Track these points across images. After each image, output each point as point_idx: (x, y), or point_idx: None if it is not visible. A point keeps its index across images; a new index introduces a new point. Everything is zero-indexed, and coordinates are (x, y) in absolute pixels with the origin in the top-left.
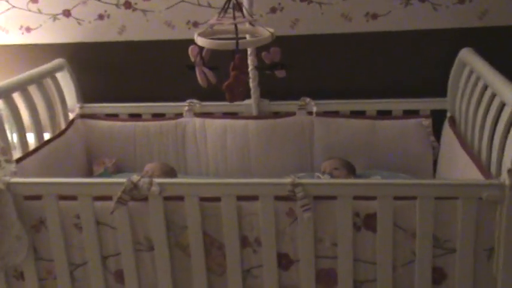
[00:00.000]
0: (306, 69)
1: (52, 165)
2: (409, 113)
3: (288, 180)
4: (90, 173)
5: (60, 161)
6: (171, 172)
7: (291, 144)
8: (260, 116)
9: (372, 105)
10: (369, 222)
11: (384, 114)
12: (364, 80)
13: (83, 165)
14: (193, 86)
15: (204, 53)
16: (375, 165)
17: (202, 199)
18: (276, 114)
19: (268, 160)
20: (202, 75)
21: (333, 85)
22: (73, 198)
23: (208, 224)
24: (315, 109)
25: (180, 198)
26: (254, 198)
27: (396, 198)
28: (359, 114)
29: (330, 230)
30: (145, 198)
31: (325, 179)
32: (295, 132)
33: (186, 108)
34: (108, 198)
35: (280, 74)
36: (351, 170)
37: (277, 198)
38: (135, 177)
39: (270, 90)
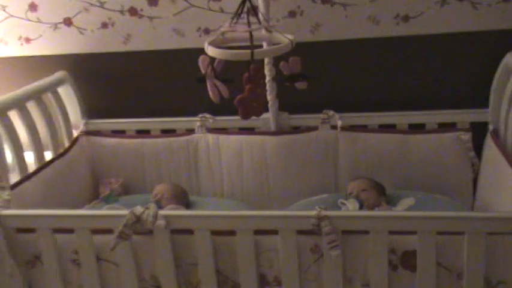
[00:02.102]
0: (328, 78)
1: (54, 188)
2: (446, 127)
3: (312, 212)
4: (96, 195)
5: (63, 182)
6: (182, 194)
7: (313, 162)
8: (279, 132)
9: (403, 117)
10: (407, 260)
11: (417, 128)
12: (394, 90)
13: (88, 187)
14: (206, 99)
15: (215, 64)
16: (406, 185)
17: (214, 232)
18: (297, 129)
19: (288, 180)
20: (213, 89)
21: (359, 96)
22: (70, 231)
23: (221, 260)
24: (339, 123)
25: (190, 231)
26: (273, 232)
27: (440, 232)
28: (389, 128)
29: (361, 268)
30: (150, 232)
31: (352, 205)
32: (318, 148)
33: (198, 123)
34: (109, 231)
35: (300, 86)
36: (380, 192)
37: (301, 232)
38: (138, 209)
39: (289, 103)
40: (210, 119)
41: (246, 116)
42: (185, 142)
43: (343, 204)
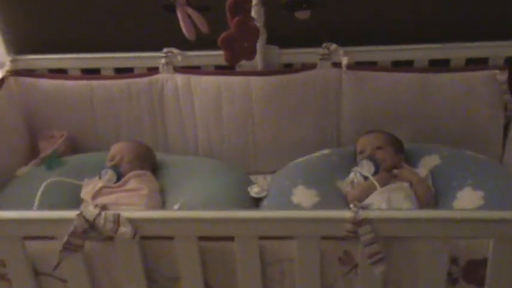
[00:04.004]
0: (330, 2)
1: None
2: (476, 63)
3: (346, 214)
4: (35, 153)
5: None
6: (147, 155)
7: (310, 109)
8: (267, 71)
9: (422, 52)
10: (471, 271)
11: (440, 65)
12: (411, 17)
13: (23, 143)
14: (173, 29)
15: None
16: (426, 137)
17: (203, 238)
18: (289, 68)
19: (278, 132)
20: (187, 21)
21: (368, 25)
22: None
23: (212, 272)
24: (344, 59)
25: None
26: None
27: None
28: (405, 65)
29: (409, 281)
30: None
31: (365, 169)
32: (316, 92)
33: (163, 60)
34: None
35: (302, 15)
36: (398, 149)
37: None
38: (89, 212)
39: (280, 33)
40: (178, 55)
41: (234, 60)
42: (147, 85)
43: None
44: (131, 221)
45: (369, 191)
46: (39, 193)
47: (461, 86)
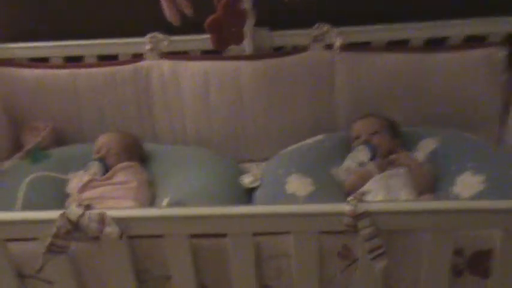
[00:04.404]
0: None
1: None
2: (475, 40)
3: (345, 207)
4: (18, 146)
5: None
6: (135, 146)
7: (302, 93)
8: (257, 55)
9: (419, 31)
10: (477, 263)
11: (437, 44)
12: None
13: (6, 135)
14: (157, 13)
15: None
16: (423, 119)
17: (194, 235)
18: (280, 51)
19: (269, 118)
20: (170, 4)
21: (361, 4)
22: None
23: (205, 270)
24: (337, 41)
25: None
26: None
27: None
28: (401, 45)
29: (410, 275)
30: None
31: (362, 155)
32: (308, 75)
33: (148, 46)
34: None
35: None
36: (395, 133)
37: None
38: (73, 210)
39: (270, 14)
40: (164, 40)
41: (222, 45)
42: (132, 72)
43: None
44: (117, 220)
45: (366, 178)
46: (22, 190)
47: (459, 65)
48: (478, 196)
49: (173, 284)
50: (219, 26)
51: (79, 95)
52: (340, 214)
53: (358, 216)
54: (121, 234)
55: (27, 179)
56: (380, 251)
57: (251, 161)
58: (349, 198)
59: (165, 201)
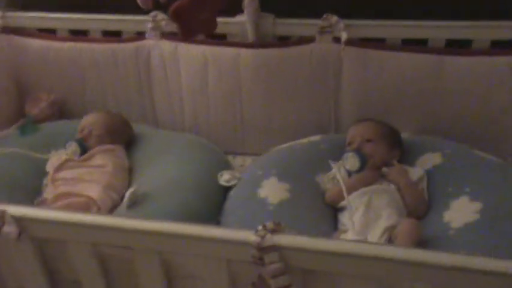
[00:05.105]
0: None
1: None
2: (501, 46)
3: (251, 237)
4: (23, 115)
5: None
6: (120, 129)
7: (306, 88)
8: (259, 43)
9: (439, 30)
10: None
11: (459, 46)
12: None
13: (12, 104)
14: None
15: None
16: (434, 129)
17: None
18: (284, 41)
19: (269, 111)
20: None
21: None
22: None
23: (116, 281)
24: (343, 34)
25: None
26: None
27: None
28: (417, 44)
29: None
30: None
31: (350, 164)
32: (313, 69)
33: (150, 25)
34: None
35: None
36: (393, 143)
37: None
38: None
39: (275, 1)
40: (163, 20)
41: (188, 35)
42: (133, 50)
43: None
44: (17, 219)
45: (349, 190)
46: None
47: (482, 72)
48: (470, 227)
49: None
50: (184, 13)
51: (82, 70)
52: (245, 244)
53: (264, 249)
54: (19, 234)
55: None
56: None
57: (248, 154)
58: (258, 228)
59: (128, 192)
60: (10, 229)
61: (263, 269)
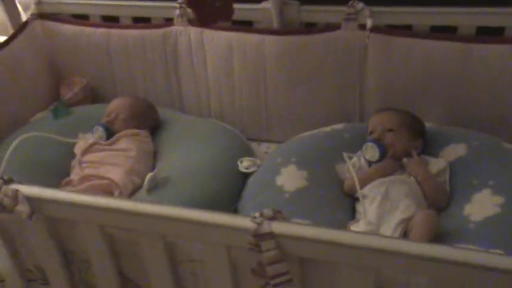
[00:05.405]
0: None
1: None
2: None
3: (249, 224)
4: (58, 98)
5: (8, 81)
6: (146, 114)
7: (330, 76)
8: (283, 30)
9: (469, 17)
10: None
11: (489, 34)
12: None
13: (48, 87)
14: None
15: None
16: (461, 119)
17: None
18: (309, 28)
19: (293, 99)
20: None
21: None
22: None
23: (124, 261)
24: (368, 21)
25: None
26: None
27: None
28: (445, 31)
29: None
30: None
31: (369, 154)
32: (338, 57)
33: (178, 11)
34: None
35: None
36: (414, 133)
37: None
38: None
39: None
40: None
41: (204, 22)
42: (161, 37)
43: (350, 157)
44: (29, 199)
45: (368, 180)
46: (10, 148)
47: None
48: (489, 220)
49: (94, 270)
50: (200, 1)
51: (112, 55)
52: (242, 230)
53: (261, 236)
54: (31, 214)
55: (17, 140)
56: (284, 278)
57: (272, 141)
58: (256, 214)
59: (148, 176)
60: (23, 208)
61: (260, 255)
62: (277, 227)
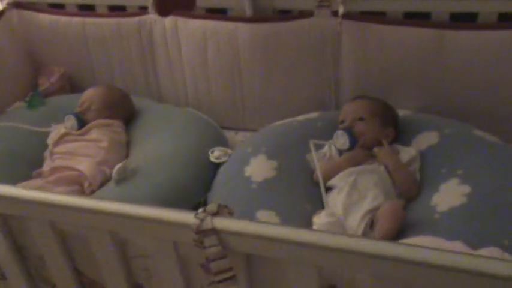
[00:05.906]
0: None
1: None
2: (509, 19)
3: (191, 219)
4: (36, 88)
5: None
6: (120, 104)
7: (304, 63)
8: (256, 18)
9: (443, 3)
10: None
11: (464, 21)
12: None
13: (26, 76)
14: None
15: None
16: (436, 106)
17: None
18: (282, 15)
19: (268, 88)
20: None
21: None
22: None
23: (78, 258)
24: (340, 7)
25: None
26: None
27: None
28: (419, 18)
29: None
30: None
31: (340, 142)
32: (312, 45)
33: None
34: None
35: None
36: (386, 122)
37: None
38: None
39: None
40: None
41: (165, 10)
42: (136, 25)
43: (319, 146)
44: None
45: (338, 169)
46: None
47: (489, 47)
48: (455, 211)
49: (48, 267)
50: None
51: (89, 44)
52: (186, 227)
53: (203, 233)
54: None
55: None
56: (227, 274)
57: (248, 130)
58: (200, 210)
59: (116, 167)
60: None
61: (204, 252)
62: (219, 222)
